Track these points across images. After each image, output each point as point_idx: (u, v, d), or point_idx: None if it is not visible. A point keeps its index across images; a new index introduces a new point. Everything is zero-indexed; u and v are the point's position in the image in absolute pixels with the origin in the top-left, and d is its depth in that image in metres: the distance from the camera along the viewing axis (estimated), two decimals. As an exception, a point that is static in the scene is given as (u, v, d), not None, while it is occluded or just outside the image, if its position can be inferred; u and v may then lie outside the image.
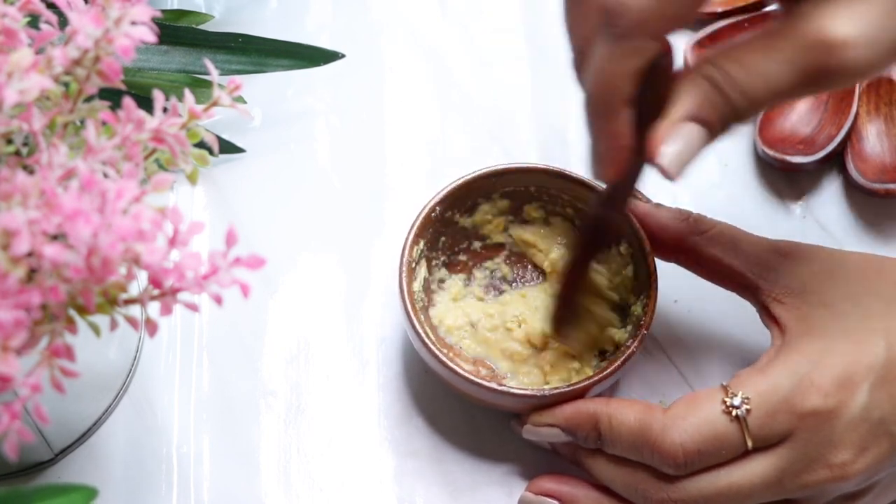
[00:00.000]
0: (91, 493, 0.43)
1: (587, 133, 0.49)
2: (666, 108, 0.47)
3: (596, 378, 0.56)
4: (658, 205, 0.59)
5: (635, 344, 0.56)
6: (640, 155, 0.48)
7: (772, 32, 0.45)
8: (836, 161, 0.67)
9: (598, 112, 0.48)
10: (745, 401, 0.51)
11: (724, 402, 0.52)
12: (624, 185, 0.51)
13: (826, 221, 0.66)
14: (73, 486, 0.44)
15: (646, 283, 0.58)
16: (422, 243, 0.60)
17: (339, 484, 0.59)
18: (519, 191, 0.62)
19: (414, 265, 0.59)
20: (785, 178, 0.67)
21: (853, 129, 0.66)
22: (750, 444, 0.51)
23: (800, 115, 0.67)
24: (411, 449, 0.60)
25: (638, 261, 0.59)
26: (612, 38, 0.45)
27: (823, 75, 0.44)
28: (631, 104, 0.47)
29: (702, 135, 0.46)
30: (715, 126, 0.46)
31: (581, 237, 0.57)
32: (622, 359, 0.56)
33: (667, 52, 0.48)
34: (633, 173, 0.50)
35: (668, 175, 0.47)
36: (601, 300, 0.61)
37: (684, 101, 0.46)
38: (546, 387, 0.57)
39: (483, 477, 0.60)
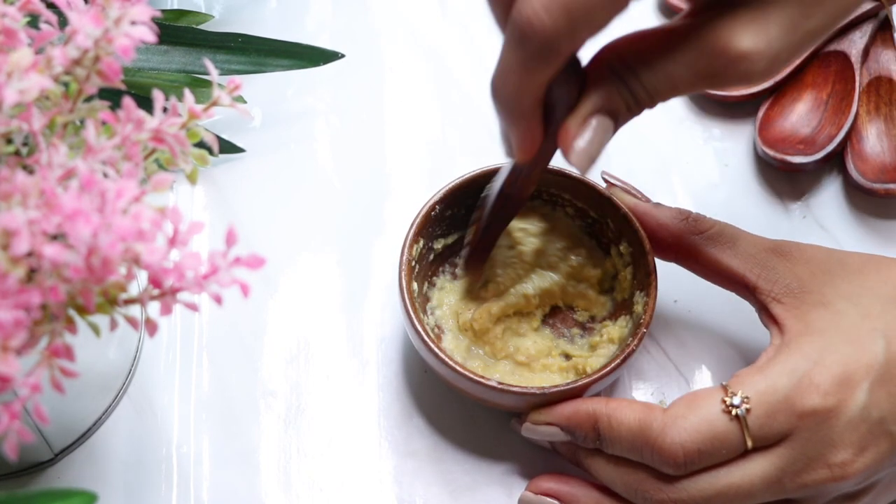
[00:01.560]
0: (90, 497, 0.43)
1: (497, 119, 0.51)
2: (574, 102, 0.49)
3: (596, 376, 0.56)
4: (658, 204, 0.59)
5: (635, 342, 0.56)
6: (551, 141, 0.51)
7: (679, 34, 0.47)
8: (836, 161, 0.67)
9: (507, 113, 0.50)
10: (745, 400, 0.51)
11: (724, 402, 0.52)
12: (533, 164, 0.54)
13: (826, 221, 0.66)
14: (72, 491, 0.44)
15: (645, 282, 0.58)
16: (422, 242, 0.60)
17: (339, 484, 0.59)
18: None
19: (414, 264, 0.59)
20: (785, 178, 0.67)
21: (853, 129, 0.66)
22: (750, 443, 0.51)
23: (800, 116, 0.67)
24: (411, 449, 0.60)
25: (638, 260, 0.59)
26: (521, 61, 0.47)
27: (721, 80, 0.47)
28: (540, 105, 0.49)
29: (609, 126, 0.49)
30: (621, 116, 0.49)
31: (491, 209, 0.58)
32: (622, 357, 0.56)
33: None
34: (543, 154, 0.53)
35: (579, 169, 0.49)
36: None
37: (594, 96, 0.49)
38: (546, 385, 0.57)
39: (483, 477, 0.60)
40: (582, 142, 0.49)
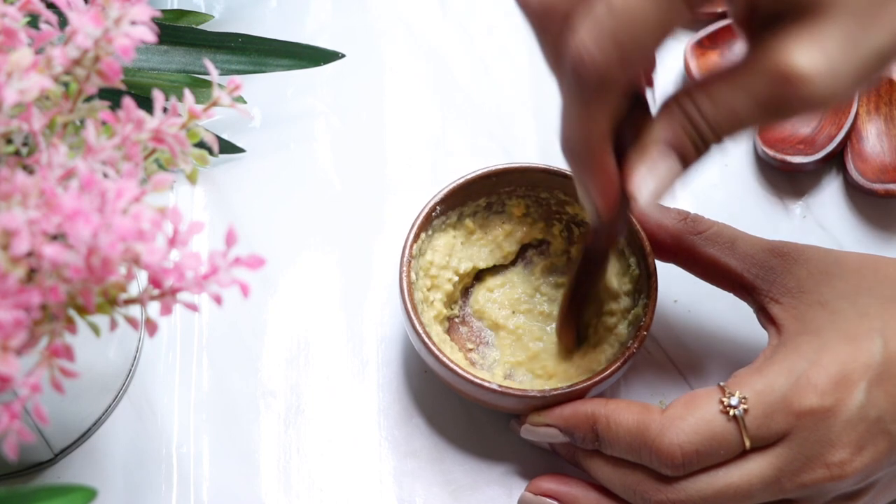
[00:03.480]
0: (90, 493, 0.43)
1: (573, 176, 0.49)
2: (641, 141, 0.47)
3: (596, 378, 0.56)
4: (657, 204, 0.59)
5: (636, 344, 0.56)
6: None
7: (738, 64, 0.45)
8: (836, 161, 0.67)
9: (580, 164, 0.48)
10: (743, 400, 0.51)
11: (722, 402, 0.52)
12: (615, 217, 0.51)
13: (826, 221, 0.66)
14: (73, 487, 0.44)
15: (646, 284, 0.58)
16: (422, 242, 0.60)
17: (339, 484, 0.59)
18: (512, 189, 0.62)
19: (414, 264, 0.59)
20: (785, 178, 0.67)
21: (853, 129, 0.66)
22: (748, 443, 0.51)
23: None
24: (411, 449, 0.60)
25: (638, 261, 0.59)
26: (581, 101, 0.45)
27: (787, 107, 0.44)
28: (610, 148, 0.47)
29: (676, 166, 0.47)
30: (688, 156, 0.47)
31: (576, 269, 0.57)
32: (622, 359, 0.56)
33: (640, 87, 0.48)
34: (622, 207, 0.50)
35: (644, 208, 0.47)
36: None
37: (657, 131, 0.47)
38: (546, 387, 0.57)
39: (483, 477, 0.60)
40: (646, 179, 0.47)
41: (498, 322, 0.62)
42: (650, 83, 0.49)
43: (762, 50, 0.44)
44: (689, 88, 0.46)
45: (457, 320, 0.62)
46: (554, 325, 0.61)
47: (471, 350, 0.62)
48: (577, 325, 0.60)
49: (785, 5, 0.43)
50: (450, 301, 0.61)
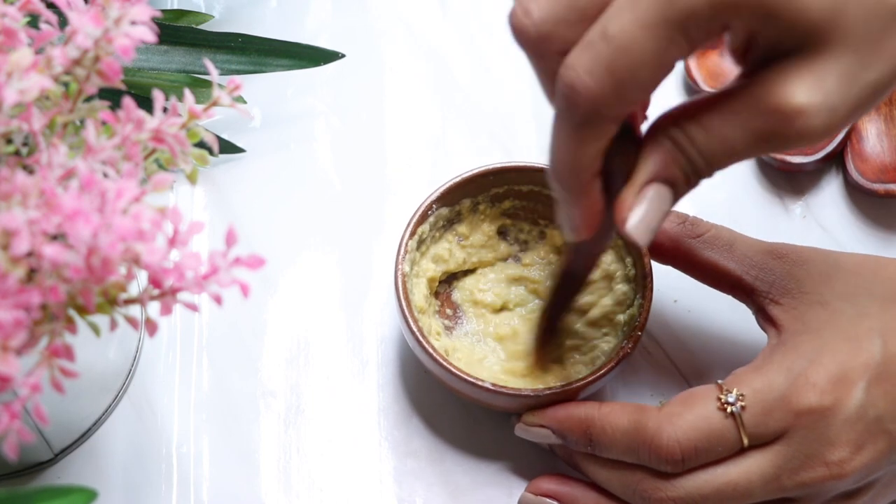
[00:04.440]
0: (90, 494, 0.43)
1: (555, 196, 0.49)
2: (632, 171, 0.46)
3: (591, 378, 0.56)
4: None
5: (630, 345, 0.56)
6: (611, 214, 0.48)
7: (733, 95, 0.44)
8: (836, 161, 0.67)
9: (566, 188, 0.47)
10: (740, 397, 0.52)
11: (719, 399, 0.52)
12: (595, 240, 0.51)
13: (826, 221, 0.66)
14: (73, 488, 0.44)
15: (641, 285, 0.58)
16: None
17: (339, 484, 0.59)
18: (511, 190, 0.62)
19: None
20: (785, 178, 0.67)
21: (853, 129, 0.66)
22: (746, 441, 0.52)
23: (800, 115, 0.67)
24: (411, 449, 0.60)
25: (634, 262, 0.59)
26: (571, 128, 0.45)
27: (780, 140, 0.44)
28: (598, 175, 0.47)
29: (667, 196, 0.46)
30: (679, 185, 0.46)
31: (554, 292, 0.57)
32: (616, 360, 0.56)
33: (633, 117, 0.47)
34: (604, 230, 0.50)
35: (639, 242, 0.46)
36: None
37: (649, 163, 0.46)
38: (540, 386, 0.57)
39: (483, 477, 0.60)
40: (638, 213, 0.46)
41: (477, 300, 0.62)
42: (645, 117, 0.49)
43: (760, 83, 0.44)
44: (679, 117, 0.45)
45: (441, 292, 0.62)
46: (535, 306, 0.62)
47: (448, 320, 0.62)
48: (551, 340, 0.60)
49: (786, 41, 0.43)
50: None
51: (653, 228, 0.46)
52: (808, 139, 0.44)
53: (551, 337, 0.60)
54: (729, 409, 0.51)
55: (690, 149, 0.45)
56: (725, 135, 0.44)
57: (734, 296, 0.58)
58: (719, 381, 0.53)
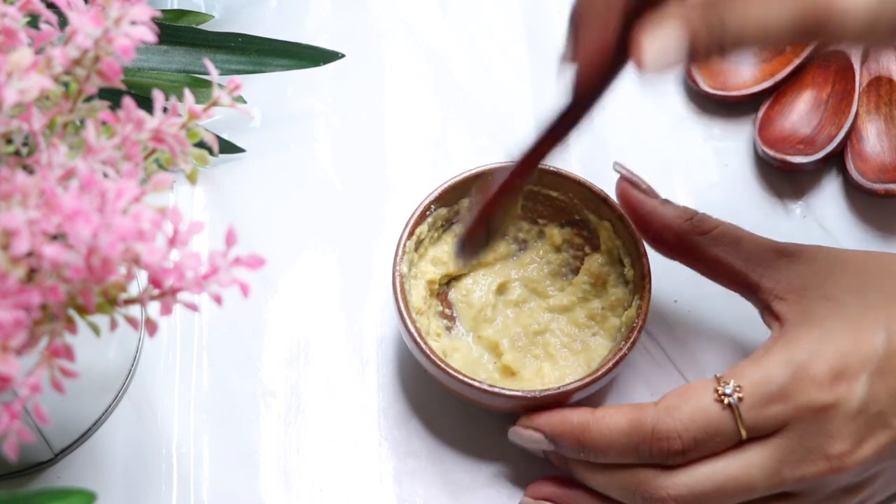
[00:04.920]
0: (89, 496, 0.43)
1: (566, 33, 0.47)
2: (657, 11, 0.45)
3: (587, 379, 0.56)
4: (665, 201, 0.58)
5: (627, 346, 0.56)
6: (617, 58, 0.47)
7: None
8: (836, 161, 0.67)
9: (583, 19, 0.46)
10: (737, 389, 0.52)
11: (717, 391, 0.52)
12: (594, 85, 0.49)
13: (826, 221, 0.66)
14: (72, 490, 0.44)
15: (640, 285, 0.58)
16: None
17: (339, 484, 0.59)
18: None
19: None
20: (785, 178, 0.67)
21: (853, 129, 0.66)
22: (744, 433, 0.51)
23: (800, 115, 0.67)
24: (411, 449, 0.60)
25: (633, 262, 0.59)
26: None
27: (816, 33, 0.44)
28: (622, 12, 0.46)
29: (684, 44, 0.45)
30: (699, 45, 0.45)
31: (537, 138, 0.54)
32: (614, 361, 0.56)
33: None
34: (606, 77, 0.48)
35: (649, 72, 0.45)
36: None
37: (679, 11, 0.45)
38: (537, 388, 0.57)
39: (483, 477, 0.60)
40: (654, 44, 0.45)
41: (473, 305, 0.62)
42: None
43: None
44: None
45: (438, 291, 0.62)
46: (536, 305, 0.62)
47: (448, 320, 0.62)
48: (487, 244, 0.58)
49: None
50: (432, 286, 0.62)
51: (661, 62, 0.45)
52: (845, 39, 0.44)
53: (489, 230, 0.56)
54: (726, 401, 0.51)
55: (726, 12, 0.44)
56: (765, 15, 0.44)
57: (739, 292, 0.58)
58: (717, 374, 0.53)
